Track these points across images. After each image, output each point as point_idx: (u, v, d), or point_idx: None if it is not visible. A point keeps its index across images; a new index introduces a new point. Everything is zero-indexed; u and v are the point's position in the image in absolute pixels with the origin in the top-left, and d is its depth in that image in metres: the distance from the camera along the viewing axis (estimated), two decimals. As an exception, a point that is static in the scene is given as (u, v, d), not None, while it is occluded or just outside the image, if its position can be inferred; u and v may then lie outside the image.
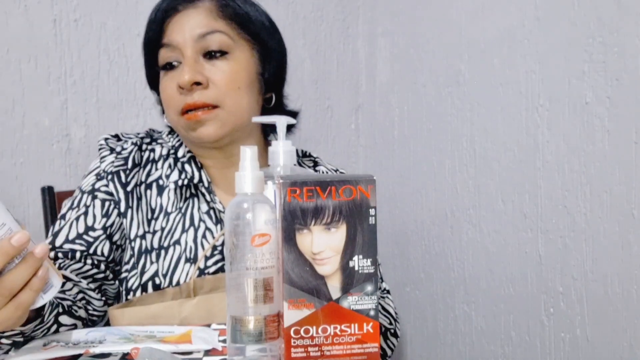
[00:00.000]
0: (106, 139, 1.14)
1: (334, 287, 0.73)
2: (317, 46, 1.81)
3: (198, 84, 1.06)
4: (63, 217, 1.10)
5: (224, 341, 0.83)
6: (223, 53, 1.08)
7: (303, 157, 1.24)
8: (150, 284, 1.06)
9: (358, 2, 1.84)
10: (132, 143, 1.13)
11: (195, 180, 1.11)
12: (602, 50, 1.10)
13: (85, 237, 1.06)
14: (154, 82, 1.17)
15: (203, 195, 1.11)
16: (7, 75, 1.55)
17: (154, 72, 1.15)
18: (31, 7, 1.56)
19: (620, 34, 1.07)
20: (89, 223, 1.07)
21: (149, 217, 1.09)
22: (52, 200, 1.47)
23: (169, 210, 1.10)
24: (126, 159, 1.10)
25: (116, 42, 1.62)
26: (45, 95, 1.58)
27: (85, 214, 1.08)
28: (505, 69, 1.32)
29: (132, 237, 1.08)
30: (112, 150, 1.12)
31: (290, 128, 1.19)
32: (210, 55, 1.08)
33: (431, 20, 1.55)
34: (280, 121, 0.88)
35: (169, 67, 1.10)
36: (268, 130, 1.20)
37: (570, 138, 1.17)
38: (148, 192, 1.11)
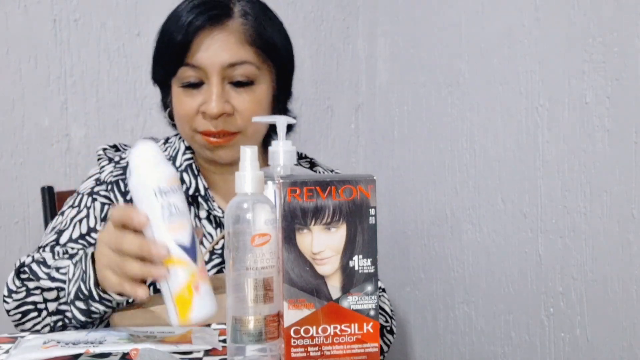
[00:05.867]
0: (104, 149, 1.14)
1: (334, 287, 0.73)
2: (317, 46, 1.81)
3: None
4: (62, 213, 1.11)
5: (224, 341, 0.83)
6: (249, 83, 1.07)
7: (300, 159, 1.24)
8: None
9: (358, 2, 1.84)
10: None
11: (192, 191, 1.10)
12: (602, 50, 1.10)
13: (87, 237, 1.08)
14: (160, 80, 1.14)
15: (201, 203, 1.11)
16: (7, 75, 1.56)
17: (164, 75, 1.12)
18: (31, 7, 1.56)
19: (620, 34, 1.07)
20: (91, 225, 1.09)
21: None
22: (52, 200, 1.47)
23: None
24: (124, 168, 1.11)
25: (116, 42, 1.62)
26: (45, 95, 1.58)
27: (87, 216, 1.09)
28: (505, 69, 1.32)
29: None
30: (110, 160, 1.12)
31: (288, 130, 1.20)
32: (236, 83, 1.07)
33: (431, 20, 1.55)
34: (280, 121, 0.88)
35: (190, 85, 1.07)
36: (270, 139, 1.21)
37: (570, 138, 1.17)
38: None
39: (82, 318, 0.94)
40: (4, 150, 1.56)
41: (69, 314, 0.95)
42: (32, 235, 1.58)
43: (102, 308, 0.93)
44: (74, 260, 0.96)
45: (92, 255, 0.91)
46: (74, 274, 0.93)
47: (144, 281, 0.84)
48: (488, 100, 1.37)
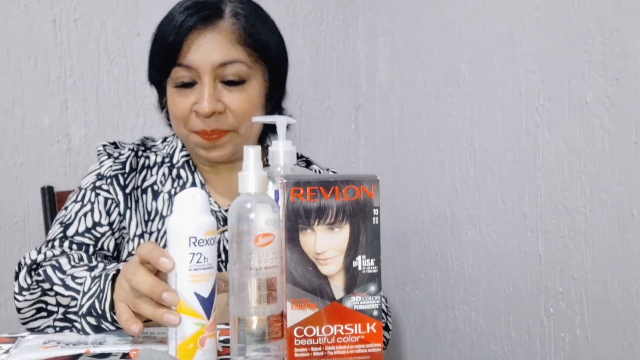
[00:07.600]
0: (104, 146, 1.16)
1: (337, 287, 0.73)
2: (317, 46, 1.81)
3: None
4: (66, 208, 1.12)
5: (225, 341, 0.83)
6: (240, 81, 1.09)
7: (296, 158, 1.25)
8: None
9: (358, 2, 1.85)
10: (129, 149, 1.15)
11: (188, 185, 1.13)
12: (602, 50, 1.10)
13: (93, 231, 1.09)
14: (156, 81, 1.17)
15: None
16: (7, 75, 1.55)
17: (159, 76, 1.14)
18: (31, 7, 1.56)
19: (620, 34, 1.07)
20: (96, 219, 1.10)
21: (146, 218, 1.12)
22: (52, 200, 1.47)
23: (164, 213, 1.12)
24: (124, 163, 1.13)
25: (116, 42, 1.62)
26: (45, 95, 1.58)
27: (92, 210, 1.10)
28: (505, 69, 1.32)
29: (132, 236, 1.11)
30: (109, 155, 1.14)
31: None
32: (227, 82, 1.08)
33: (431, 20, 1.56)
34: (280, 121, 0.88)
35: (183, 85, 1.09)
36: (266, 138, 1.22)
37: (570, 138, 1.17)
38: (144, 196, 1.13)
39: (91, 332, 0.93)
40: (4, 150, 1.56)
41: (77, 325, 0.94)
42: (32, 235, 1.58)
43: (112, 328, 0.91)
44: (92, 274, 0.94)
45: (114, 277, 0.89)
46: (89, 289, 0.92)
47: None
48: (488, 100, 1.37)
